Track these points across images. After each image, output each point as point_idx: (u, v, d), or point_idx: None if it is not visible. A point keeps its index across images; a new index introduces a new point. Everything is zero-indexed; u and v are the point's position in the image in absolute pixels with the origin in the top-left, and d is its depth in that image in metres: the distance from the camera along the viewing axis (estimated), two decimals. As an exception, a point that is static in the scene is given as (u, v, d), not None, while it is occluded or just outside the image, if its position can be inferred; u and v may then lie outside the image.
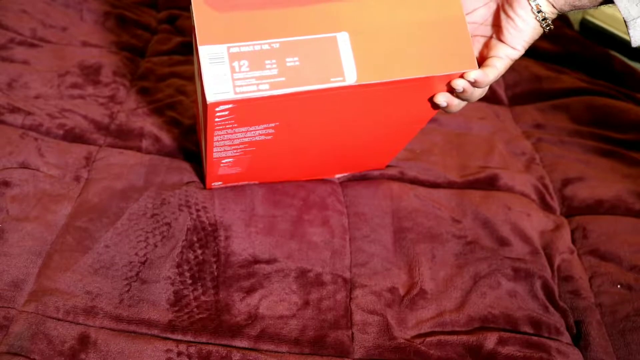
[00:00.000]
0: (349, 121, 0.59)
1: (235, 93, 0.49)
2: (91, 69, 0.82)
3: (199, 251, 0.62)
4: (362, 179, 0.74)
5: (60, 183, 0.65)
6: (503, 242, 0.69)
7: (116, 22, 0.94)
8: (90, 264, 0.58)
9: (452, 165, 0.80)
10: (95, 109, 0.76)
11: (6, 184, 0.63)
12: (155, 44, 0.93)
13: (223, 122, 0.53)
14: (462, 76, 0.54)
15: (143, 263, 0.60)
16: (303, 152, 0.64)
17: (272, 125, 0.56)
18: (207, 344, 0.55)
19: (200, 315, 0.57)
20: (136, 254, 0.60)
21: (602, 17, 1.25)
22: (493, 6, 0.57)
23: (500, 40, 0.56)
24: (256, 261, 0.62)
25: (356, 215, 0.69)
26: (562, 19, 1.18)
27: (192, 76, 0.86)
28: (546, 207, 0.77)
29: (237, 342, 0.55)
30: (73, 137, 0.71)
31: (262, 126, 0.56)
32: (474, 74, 0.53)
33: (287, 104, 0.52)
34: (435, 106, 0.59)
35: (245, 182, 0.70)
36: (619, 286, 0.66)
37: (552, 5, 0.54)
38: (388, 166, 0.76)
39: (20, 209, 0.61)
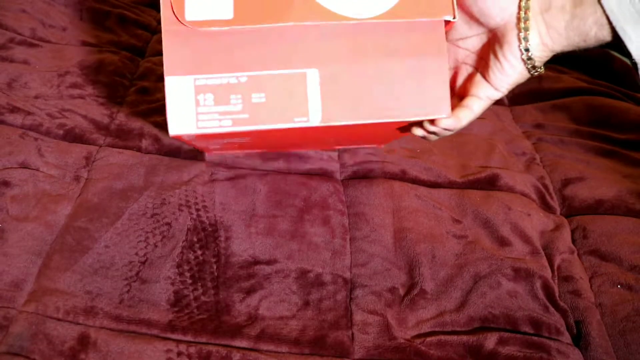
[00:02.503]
0: (321, 134, 0.58)
1: (197, 127, 0.49)
2: (91, 68, 0.82)
3: (199, 251, 0.62)
4: (363, 177, 0.74)
5: (60, 183, 0.65)
6: (503, 242, 0.69)
7: (116, 22, 0.94)
8: (90, 264, 0.58)
9: (452, 165, 0.80)
10: (95, 108, 0.76)
11: (6, 184, 0.63)
12: (155, 43, 0.93)
13: (196, 138, 0.53)
14: (433, 120, 0.52)
15: (143, 263, 0.59)
16: (291, 138, 0.63)
17: (244, 138, 0.55)
18: (207, 344, 0.55)
19: (200, 316, 0.57)
20: (136, 254, 0.60)
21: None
22: (484, 38, 0.53)
23: (484, 77, 0.53)
24: (256, 262, 0.62)
25: (357, 215, 0.69)
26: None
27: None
28: (546, 207, 0.77)
29: (237, 343, 0.55)
30: (73, 137, 0.71)
31: (235, 139, 0.55)
32: (446, 122, 0.51)
33: (250, 133, 0.51)
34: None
35: (245, 151, 0.69)
36: (619, 286, 0.66)
37: (549, 49, 0.50)
38: (389, 163, 0.76)
39: (20, 209, 0.61)
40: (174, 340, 0.54)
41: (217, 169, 0.71)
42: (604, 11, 0.45)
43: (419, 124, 0.54)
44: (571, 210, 0.77)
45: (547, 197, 0.78)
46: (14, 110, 0.71)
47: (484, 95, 0.52)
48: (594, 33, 0.47)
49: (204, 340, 0.55)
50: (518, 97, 1.00)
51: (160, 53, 0.91)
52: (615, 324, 0.62)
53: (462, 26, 0.53)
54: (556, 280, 0.66)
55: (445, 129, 0.51)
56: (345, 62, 0.50)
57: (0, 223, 0.59)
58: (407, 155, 0.79)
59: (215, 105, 0.48)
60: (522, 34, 0.48)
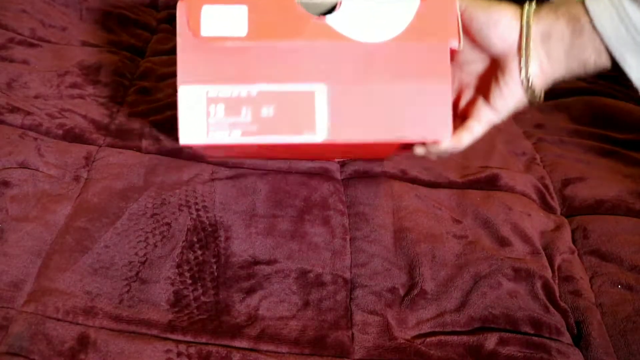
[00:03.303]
0: (326, 148, 0.59)
1: (208, 137, 0.50)
2: (91, 68, 0.82)
3: (199, 252, 0.62)
4: (363, 176, 0.74)
5: (59, 183, 0.65)
6: (503, 242, 0.69)
7: (116, 22, 0.94)
8: (89, 264, 0.58)
9: (452, 165, 0.79)
10: (95, 108, 0.76)
11: (6, 184, 0.63)
12: (155, 44, 0.93)
13: (204, 148, 0.55)
14: (435, 141, 0.53)
15: (143, 263, 0.59)
16: (295, 149, 0.65)
17: (255, 146, 0.56)
18: (207, 344, 0.55)
19: (200, 316, 0.57)
20: (136, 254, 0.60)
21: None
22: (487, 64, 0.55)
23: (485, 101, 0.54)
24: (256, 262, 0.62)
25: (357, 215, 0.69)
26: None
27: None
28: (547, 207, 0.77)
29: (237, 343, 0.55)
30: (73, 137, 0.71)
31: (245, 146, 0.56)
32: (446, 145, 0.53)
33: (258, 146, 0.53)
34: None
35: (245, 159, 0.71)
36: (619, 286, 0.66)
37: (549, 76, 0.51)
38: (389, 162, 0.76)
39: (19, 209, 0.61)
40: (173, 340, 0.54)
41: (217, 169, 0.71)
42: (602, 39, 0.46)
43: (421, 143, 0.56)
44: (571, 210, 0.77)
45: (548, 197, 0.78)
46: (13, 110, 0.71)
47: (485, 119, 0.54)
48: (593, 60, 0.48)
49: (203, 340, 0.55)
50: (518, 97, 1.00)
51: (160, 53, 0.91)
52: (615, 324, 0.62)
53: (467, 51, 0.54)
54: (556, 281, 0.66)
55: (446, 151, 0.53)
56: (353, 82, 0.51)
57: (0, 223, 0.59)
58: (407, 155, 0.79)
59: (225, 117, 0.50)
60: (522, 62, 0.49)
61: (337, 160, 0.76)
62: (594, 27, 0.46)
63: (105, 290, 0.57)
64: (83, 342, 0.52)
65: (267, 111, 0.50)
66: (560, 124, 0.93)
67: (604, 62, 0.48)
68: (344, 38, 0.51)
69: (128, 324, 0.55)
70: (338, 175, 0.75)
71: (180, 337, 0.55)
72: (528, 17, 0.48)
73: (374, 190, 0.72)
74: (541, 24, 0.48)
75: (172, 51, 0.92)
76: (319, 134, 0.51)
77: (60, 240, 0.60)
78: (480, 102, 0.54)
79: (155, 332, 0.55)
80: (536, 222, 0.72)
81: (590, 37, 0.46)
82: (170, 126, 0.75)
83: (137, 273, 0.59)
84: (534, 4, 0.49)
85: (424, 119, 0.52)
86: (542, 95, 0.52)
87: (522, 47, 0.49)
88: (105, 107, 0.77)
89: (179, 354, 0.53)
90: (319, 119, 0.51)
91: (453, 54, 0.54)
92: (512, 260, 0.66)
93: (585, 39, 0.47)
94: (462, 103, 0.57)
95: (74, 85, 0.78)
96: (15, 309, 0.54)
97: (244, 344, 0.55)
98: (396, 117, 0.51)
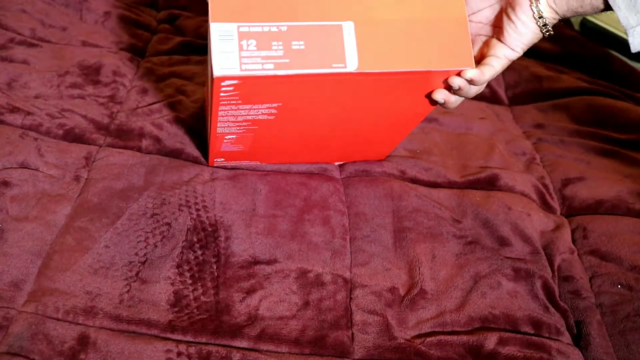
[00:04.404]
0: (349, 108, 0.61)
1: (241, 70, 0.51)
2: (91, 68, 0.82)
3: (199, 252, 0.62)
4: (363, 176, 0.74)
5: (60, 183, 0.65)
6: (503, 242, 0.69)
7: (116, 22, 0.94)
8: (90, 264, 0.58)
9: (452, 165, 0.79)
10: (95, 108, 0.76)
11: (6, 184, 0.63)
12: (155, 44, 0.93)
13: (227, 98, 0.55)
14: (459, 74, 0.56)
15: (143, 263, 0.59)
16: (304, 135, 0.66)
17: (275, 105, 0.57)
18: (207, 344, 0.55)
19: (200, 316, 0.57)
20: (136, 254, 0.60)
21: (602, 17, 1.24)
22: (497, 8, 0.59)
23: (500, 40, 0.58)
24: (256, 262, 0.62)
25: (357, 215, 0.69)
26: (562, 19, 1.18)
27: (192, 76, 0.86)
28: (546, 207, 0.77)
29: (237, 343, 0.55)
30: (73, 137, 0.71)
31: (264, 105, 0.57)
32: (471, 72, 0.55)
33: (289, 85, 0.54)
34: (433, 102, 0.61)
35: (247, 162, 0.72)
36: (619, 286, 0.66)
37: (555, 11, 0.56)
38: (389, 163, 0.76)
39: (20, 209, 0.61)
40: (173, 340, 0.54)
41: (217, 169, 0.71)
42: None
43: (443, 86, 0.58)
44: (571, 210, 0.77)
45: (547, 197, 0.78)
46: (13, 110, 0.71)
47: (502, 54, 0.58)
48: (589, 1, 0.54)
49: (204, 340, 0.55)
50: (518, 97, 1.00)
51: (160, 53, 0.91)
52: (615, 324, 0.62)
53: (475, 1, 0.59)
54: (556, 281, 0.66)
55: (471, 81, 0.56)
56: (379, 17, 0.54)
57: (0, 223, 0.59)
58: (407, 155, 0.79)
59: (257, 50, 0.51)
60: None
61: (337, 163, 0.76)
62: None
63: (105, 290, 0.57)
64: (83, 342, 0.52)
65: (297, 45, 0.52)
66: (560, 124, 0.93)
67: (599, 4, 0.54)
68: None
69: (128, 324, 0.55)
70: (338, 175, 0.75)
71: (180, 337, 0.55)
72: None
73: (374, 190, 0.72)
74: None
75: (172, 51, 0.92)
76: (349, 65, 0.53)
77: (60, 240, 0.60)
78: (495, 42, 0.58)
79: (155, 332, 0.55)
80: (536, 222, 0.72)
81: None
82: (170, 126, 0.75)
83: (137, 273, 0.59)
84: None
85: (447, 50, 0.55)
86: (552, 30, 0.56)
87: None
88: (105, 107, 0.77)
89: (179, 354, 0.53)
90: (349, 51, 0.53)
91: None
92: (512, 260, 0.66)
93: None
94: (475, 51, 0.60)
95: (74, 85, 0.78)
96: (15, 309, 0.54)
97: (244, 343, 0.55)
98: (421, 49, 0.54)
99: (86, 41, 0.88)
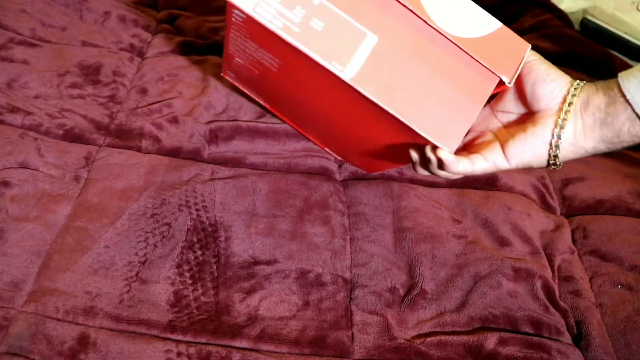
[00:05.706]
0: (339, 111, 0.59)
1: (253, 9, 0.50)
2: (91, 68, 0.82)
3: (199, 252, 0.62)
4: (363, 176, 0.74)
5: (59, 183, 0.65)
6: (503, 242, 0.69)
7: (116, 22, 0.94)
8: (90, 264, 0.58)
9: (452, 165, 0.79)
10: (95, 108, 0.76)
11: (6, 184, 0.63)
12: (155, 44, 0.93)
13: (237, 27, 0.54)
14: (435, 148, 0.53)
15: (143, 263, 0.59)
16: (303, 108, 0.65)
17: (277, 60, 0.56)
18: (207, 344, 0.55)
19: (200, 316, 0.57)
20: (136, 254, 0.60)
21: (602, 17, 1.24)
22: (523, 119, 0.56)
23: (501, 146, 0.55)
24: (256, 262, 0.62)
25: (357, 215, 0.69)
26: (562, 18, 1.18)
27: (192, 76, 0.86)
28: (546, 207, 0.77)
29: (237, 343, 0.55)
30: (73, 137, 0.71)
31: (269, 55, 0.56)
32: (444, 154, 0.52)
33: (288, 51, 0.52)
34: (408, 159, 0.58)
35: (254, 95, 0.72)
36: (619, 286, 0.66)
37: (577, 145, 0.52)
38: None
39: (19, 209, 0.61)
40: (173, 340, 0.54)
41: (217, 169, 0.71)
42: (633, 109, 0.49)
43: (420, 146, 0.55)
44: (571, 210, 0.77)
45: (547, 197, 0.78)
46: (13, 110, 0.71)
47: (492, 159, 0.55)
48: (627, 129, 0.50)
49: (203, 340, 0.55)
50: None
51: (160, 53, 0.91)
52: (615, 324, 0.62)
53: (509, 102, 0.57)
54: (556, 281, 0.66)
55: (440, 162, 0.53)
56: (402, 50, 0.51)
57: (0, 223, 0.59)
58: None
59: (278, 3, 0.50)
60: (559, 120, 0.52)
61: (335, 160, 0.76)
62: (624, 98, 0.50)
63: (105, 290, 0.57)
64: (83, 342, 0.52)
65: (316, 24, 0.50)
66: (560, 124, 0.93)
67: (638, 130, 0.51)
68: (423, 11, 0.52)
69: (128, 324, 0.55)
70: (338, 176, 0.75)
71: (180, 337, 0.55)
72: (576, 85, 0.53)
73: (374, 190, 0.72)
74: (583, 93, 0.53)
75: (172, 51, 0.92)
76: (346, 71, 0.50)
77: (60, 240, 0.60)
78: (495, 145, 0.55)
79: (155, 332, 0.55)
80: (536, 222, 0.72)
81: (623, 105, 0.50)
82: (170, 126, 0.75)
83: (137, 273, 0.59)
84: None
85: (440, 123, 0.51)
86: (561, 165, 0.54)
87: (563, 109, 0.52)
88: (105, 107, 0.77)
89: (179, 354, 0.53)
90: (355, 60, 0.50)
91: (500, 90, 0.56)
92: (512, 260, 0.66)
93: (619, 107, 0.50)
94: (478, 142, 0.58)
95: (74, 85, 0.78)
96: (15, 309, 0.54)
97: (244, 344, 0.55)
98: (419, 106, 0.51)
99: (86, 41, 0.88)
